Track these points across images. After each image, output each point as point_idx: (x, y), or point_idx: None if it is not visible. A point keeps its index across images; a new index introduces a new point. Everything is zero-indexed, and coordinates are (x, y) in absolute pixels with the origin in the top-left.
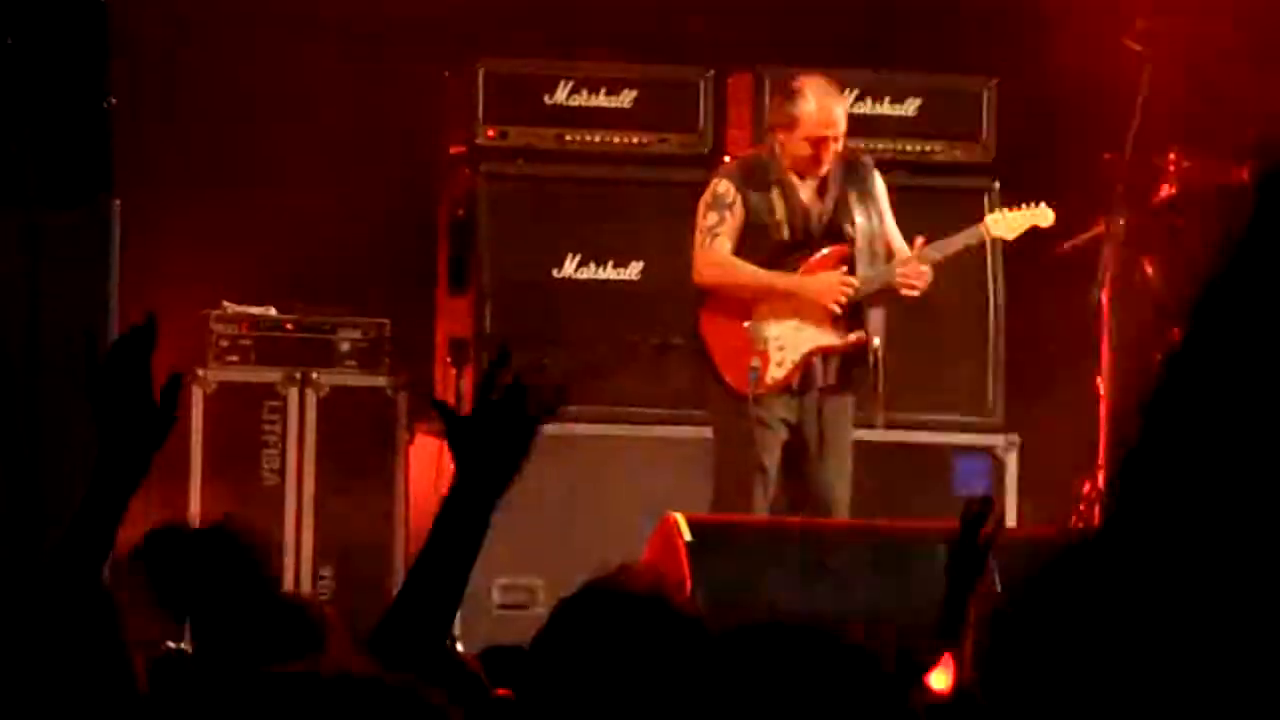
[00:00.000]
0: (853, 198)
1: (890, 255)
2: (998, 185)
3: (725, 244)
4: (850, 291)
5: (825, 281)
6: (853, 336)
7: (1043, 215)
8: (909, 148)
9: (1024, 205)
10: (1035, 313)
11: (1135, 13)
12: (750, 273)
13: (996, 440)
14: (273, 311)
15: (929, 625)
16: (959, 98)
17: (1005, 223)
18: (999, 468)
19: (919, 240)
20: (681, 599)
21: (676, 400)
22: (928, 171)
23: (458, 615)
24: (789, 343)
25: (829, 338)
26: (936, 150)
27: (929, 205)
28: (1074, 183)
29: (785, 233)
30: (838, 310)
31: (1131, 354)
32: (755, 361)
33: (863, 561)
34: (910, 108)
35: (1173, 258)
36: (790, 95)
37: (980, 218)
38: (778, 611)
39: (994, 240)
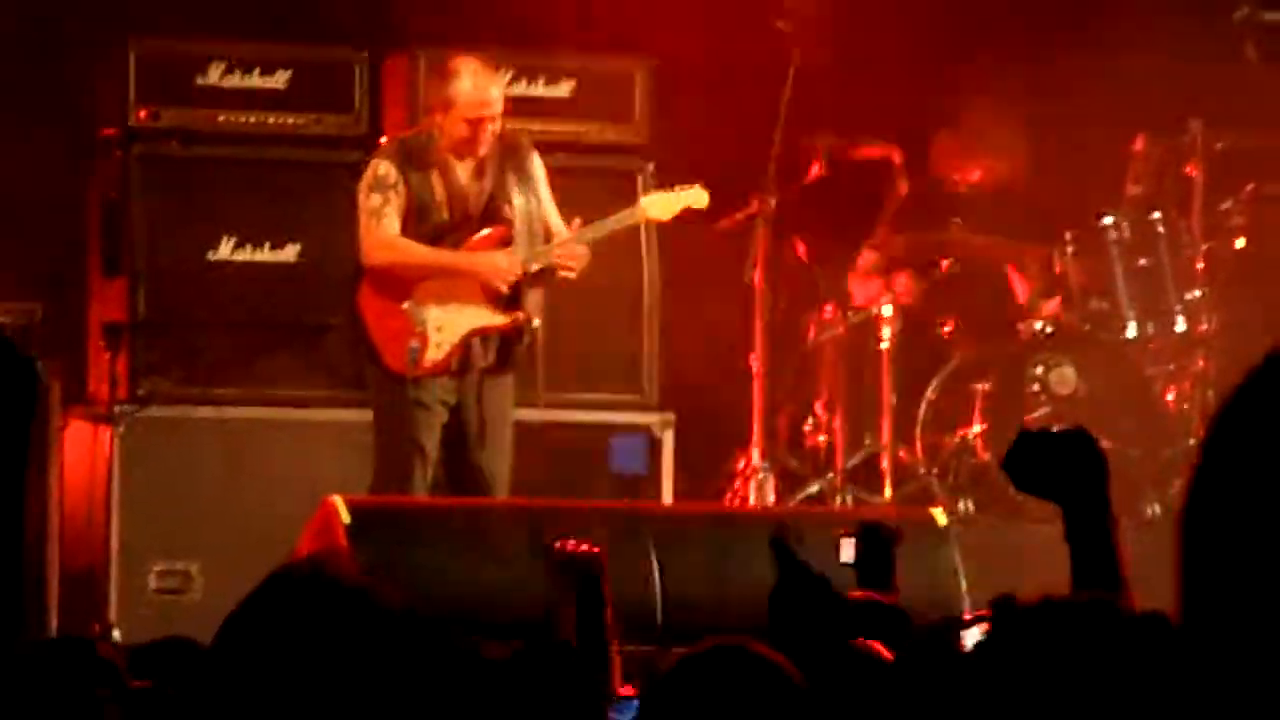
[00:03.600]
0: (511, 179)
1: (548, 236)
2: (651, 166)
3: (393, 224)
4: (519, 273)
5: (495, 262)
6: (511, 318)
7: (697, 197)
8: (563, 128)
9: (678, 187)
10: (690, 292)
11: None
12: (422, 253)
13: (652, 418)
14: None
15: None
16: (612, 79)
17: (660, 204)
18: (655, 446)
19: (576, 222)
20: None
21: (335, 382)
22: (583, 152)
23: (113, 601)
24: (447, 324)
25: (488, 319)
26: (590, 131)
27: (585, 186)
28: (727, 163)
29: (445, 214)
30: (505, 290)
31: (783, 332)
32: (414, 343)
33: (523, 541)
34: (565, 89)
35: (822, 237)
36: (446, 76)
37: (635, 198)
38: (440, 593)
39: (649, 221)
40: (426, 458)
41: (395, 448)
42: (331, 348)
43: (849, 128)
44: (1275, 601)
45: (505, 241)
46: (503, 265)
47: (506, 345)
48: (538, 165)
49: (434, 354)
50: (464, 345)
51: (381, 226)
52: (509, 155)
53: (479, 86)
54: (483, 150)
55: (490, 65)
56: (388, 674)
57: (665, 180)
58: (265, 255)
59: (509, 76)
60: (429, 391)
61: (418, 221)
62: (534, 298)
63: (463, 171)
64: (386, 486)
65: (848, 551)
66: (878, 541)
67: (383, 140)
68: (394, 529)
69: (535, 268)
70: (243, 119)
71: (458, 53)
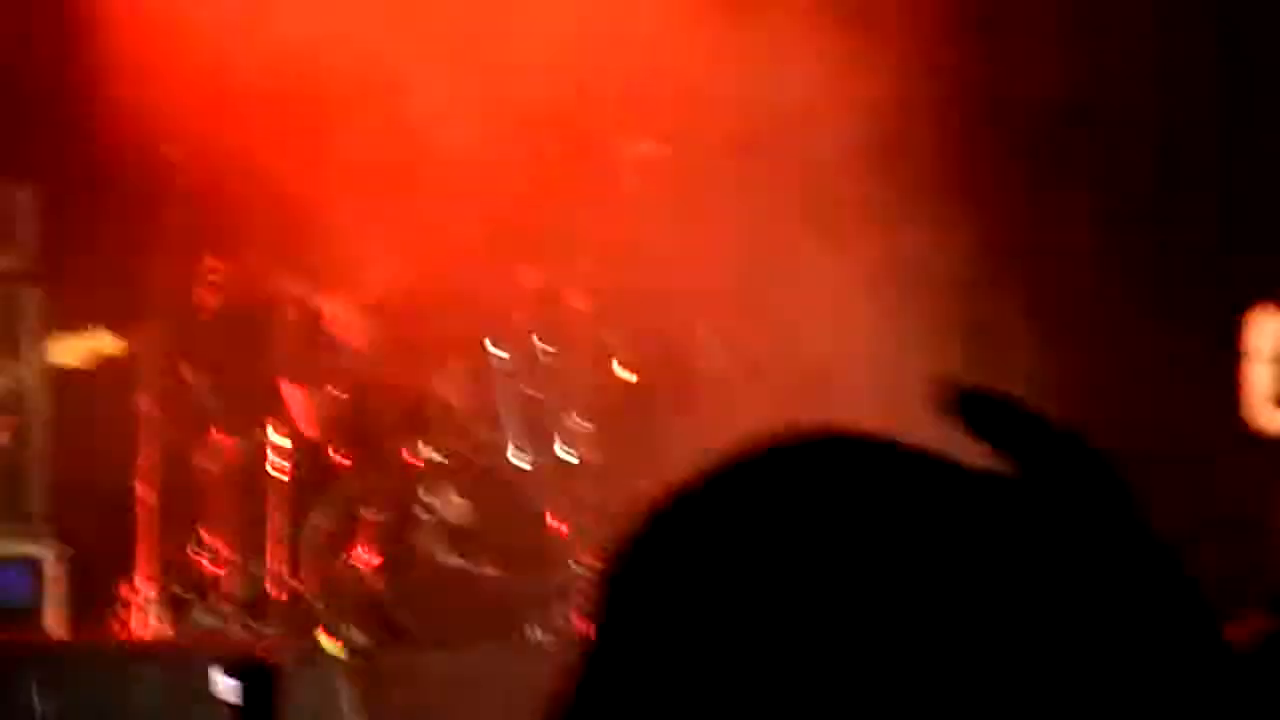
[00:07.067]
0: None
1: None
2: (40, 292)
3: None
4: None
5: None
6: None
7: (107, 342)
8: None
9: (85, 331)
10: (79, 418)
11: (196, 119)
12: None
13: (37, 548)
14: None
15: None
16: None
17: (69, 349)
18: (40, 575)
19: None
20: None
21: None
22: None
23: None
24: None
25: None
26: None
27: None
28: (117, 288)
29: None
30: None
31: (173, 458)
32: None
33: None
34: None
35: (213, 362)
36: None
37: (19, 326)
38: None
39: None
40: None
41: None
42: None
43: (238, 254)
44: None
45: None
46: None
47: None
48: None
49: None
50: None
51: None
52: None
53: None
54: None
55: None
56: None
57: (56, 307)
58: None
59: None
60: None
61: None
62: None
63: None
64: None
65: (229, 689)
66: (259, 676)
67: None
68: None
69: None
70: None
71: None
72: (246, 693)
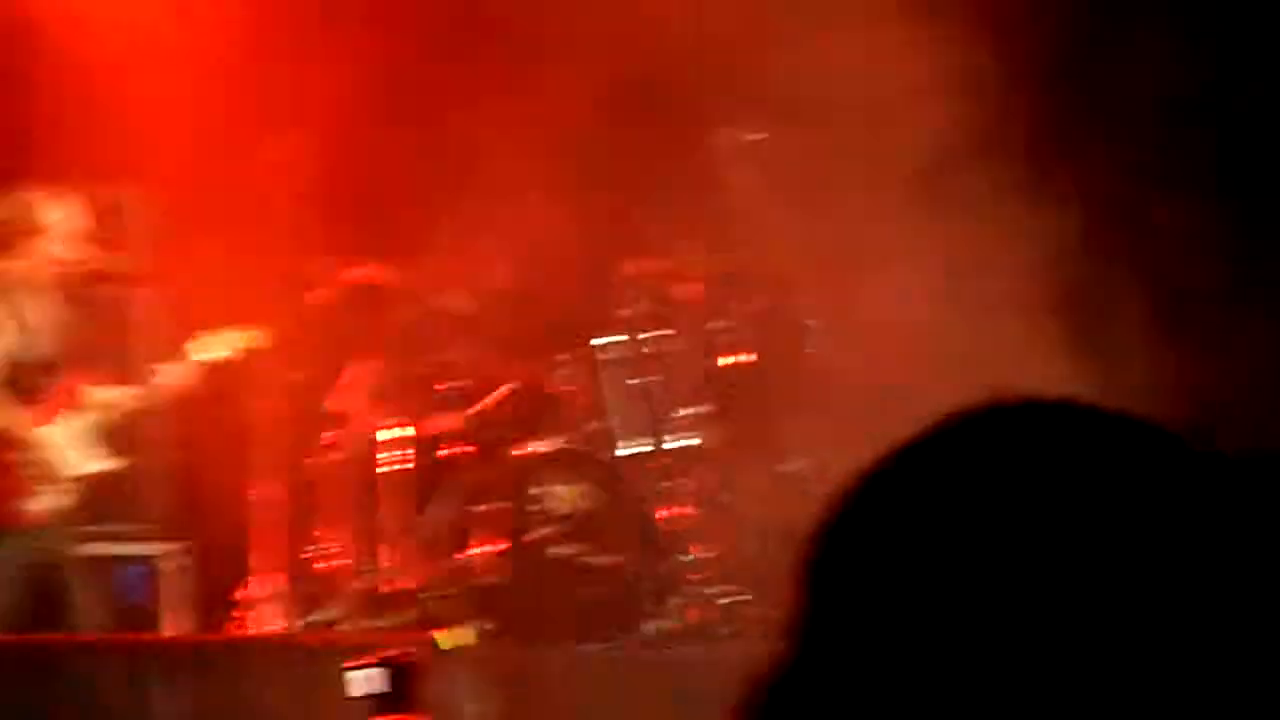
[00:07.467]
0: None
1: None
2: (148, 292)
3: None
4: None
5: None
6: None
7: (254, 336)
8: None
9: (232, 328)
10: (193, 420)
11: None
12: None
13: (155, 548)
14: None
15: None
16: (106, 207)
17: (217, 345)
18: (158, 576)
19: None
20: None
21: None
22: (77, 281)
23: None
24: None
25: None
26: (85, 259)
27: (79, 314)
28: (226, 290)
29: None
30: None
31: (290, 462)
32: None
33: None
34: (72, 217)
35: (325, 361)
36: None
37: (126, 325)
38: None
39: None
40: None
41: None
42: None
43: (348, 252)
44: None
45: None
46: None
47: None
48: (37, 305)
49: None
50: None
51: None
52: None
53: None
54: None
55: None
56: None
57: (169, 309)
58: None
59: None
60: None
61: None
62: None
63: None
64: None
65: (374, 683)
66: (400, 673)
67: None
68: None
69: None
70: None
71: None
72: (388, 687)
